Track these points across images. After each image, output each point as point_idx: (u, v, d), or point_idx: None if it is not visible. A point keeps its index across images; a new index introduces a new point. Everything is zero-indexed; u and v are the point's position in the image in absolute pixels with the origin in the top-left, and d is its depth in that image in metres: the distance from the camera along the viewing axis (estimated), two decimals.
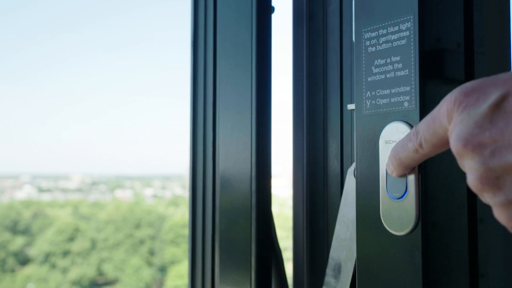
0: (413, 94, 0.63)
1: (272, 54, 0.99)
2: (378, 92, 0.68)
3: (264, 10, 0.98)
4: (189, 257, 1.19)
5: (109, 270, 30.41)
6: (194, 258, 1.18)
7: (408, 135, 0.54)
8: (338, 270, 0.87)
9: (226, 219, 1.03)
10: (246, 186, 0.97)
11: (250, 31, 0.97)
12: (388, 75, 0.67)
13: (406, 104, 0.64)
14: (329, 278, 0.88)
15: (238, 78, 1.01)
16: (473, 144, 0.42)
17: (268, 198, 0.98)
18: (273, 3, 1.01)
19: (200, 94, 1.17)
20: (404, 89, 0.64)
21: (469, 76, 0.66)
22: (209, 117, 1.14)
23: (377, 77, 0.68)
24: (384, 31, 0.67)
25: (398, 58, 0.65)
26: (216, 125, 1.10)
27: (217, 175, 1.09)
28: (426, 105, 0.63)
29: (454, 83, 0.65)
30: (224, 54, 1.06)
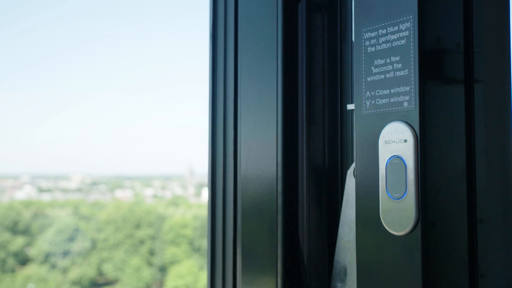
0: (412, 94, 0.63)
1: (298, 46, 0.94)
2: (378, 92, 0.68)
3: (290, 0, 0.92)
4: (208, 262, 1.12)
5: (109, 270, 30.40)
6: (214, 263, 1.10)
7: None
8: (344, 273, 0.86)
9: (249, 222, 0.97)
10: (271, 186, 0.92)
11: (276, 22, 0.92)
12: (387, 75, 0.67)
13: (405, 104, 0.64)
14: (335, 283, 0.87)
15: (261, 72, 0.95)
16: None
17: (295, 200, 0.93)
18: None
19: (219, 90, 1.11)
20: (404, 89, 0.64)
21: (469, 76, 0.66)
22: (229, 113, 1.07)
23: (377, 77, 0.68)
24: (384, 31, 0.67)
25: (397, 58, 0.65)
26: (238, 122, 1.04)
27: (238, 175, 1.03)
28: (425, 105, 0.63)
29: (454, 83, 0.65)
30: (247, 46, 0.99)
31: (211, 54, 1.13)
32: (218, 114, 1.11)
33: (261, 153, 0.94)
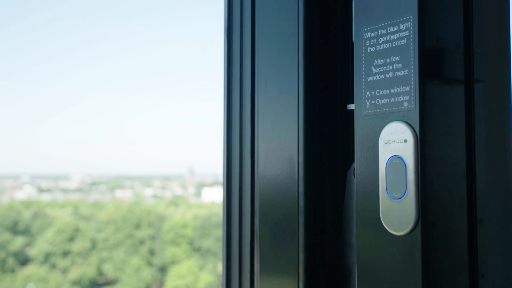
0: (412, 94, 0.63)
1: (321, 37, 0.90)
2: (378, 92, 0.68)
3: None
4: (224, 266, 1.07)
5: (109, 270, 30.42)
6: (229, 267, 1.06)
7: None
8: (348, 276, 0.86)
9: (267, 224, 0.93)
10: (292, 187, 0.88)
11: (296, 10, 0.88)
12: (387, 75, 0.67)
13: (405, 104, 0.64)
14: (340, 286, 0.87)
15: (281, 67, 0.91)
16: None
17: (318, 201, 0.88)
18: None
19: (235, 85, 1.05)
20: (404, 89, 0.64)
21: (469, 76, 0.66)
22: (246, 111, 1.02)
23: (377, 77, 0.68)
24: (384, 31, 0.67)
25: (397, 58, 0.65)
26: (255, 120, 0.99)
27: (256, 175, 0.98)
28: (425, 105, 0.63)
29: (454, 83, 0.65)
30: (264, 38, 0.95)
31: (226, 47, 1.08)
32: (234, 112, 1.06)
33: (281, 152, 0.91)
